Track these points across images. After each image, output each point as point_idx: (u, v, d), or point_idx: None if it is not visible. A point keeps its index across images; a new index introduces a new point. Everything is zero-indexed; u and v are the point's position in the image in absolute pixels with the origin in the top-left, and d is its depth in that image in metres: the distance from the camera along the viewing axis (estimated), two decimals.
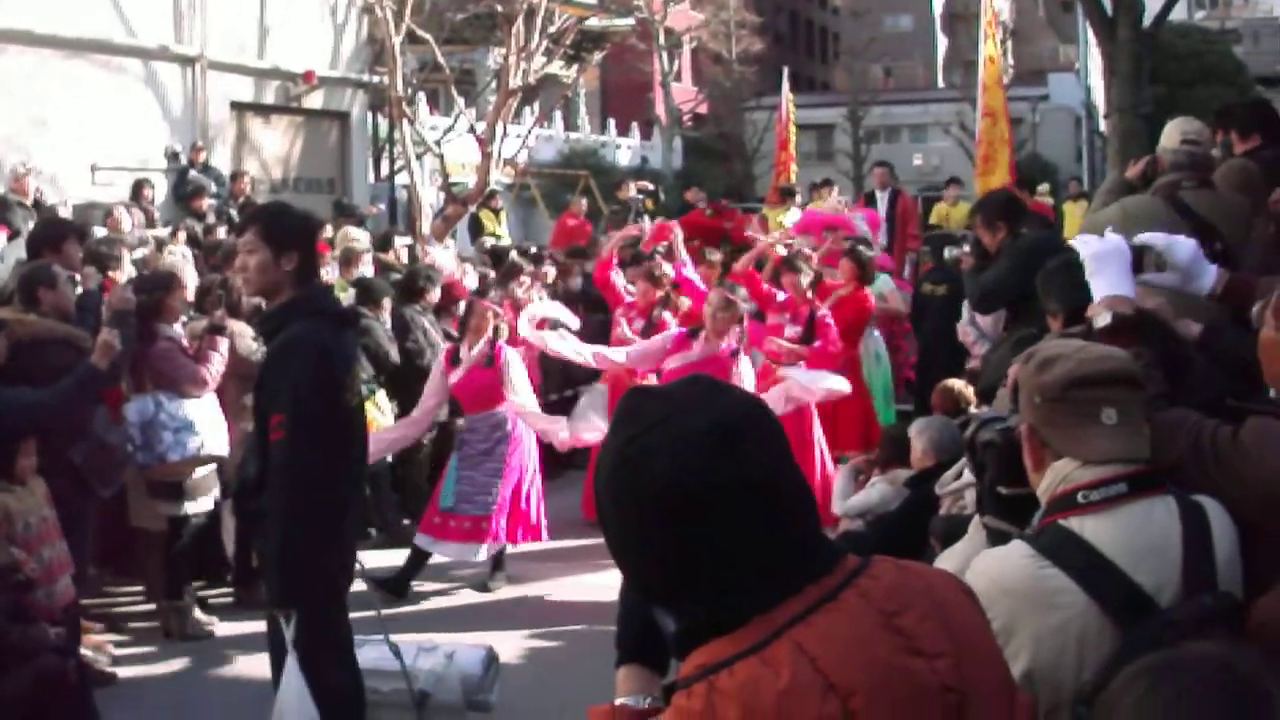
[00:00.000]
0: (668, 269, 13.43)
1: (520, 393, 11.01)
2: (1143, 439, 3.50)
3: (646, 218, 21.83)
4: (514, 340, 11.66)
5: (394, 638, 6.71)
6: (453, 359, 11.18)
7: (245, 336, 10.39)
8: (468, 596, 10.93)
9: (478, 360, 11.00)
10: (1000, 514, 4.05)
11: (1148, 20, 21.85)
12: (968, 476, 5.72)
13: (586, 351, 11.52)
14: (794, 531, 2.30)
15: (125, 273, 10.99)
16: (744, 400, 2.36)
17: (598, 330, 13.91)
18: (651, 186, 26.05)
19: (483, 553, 10.94)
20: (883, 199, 20.84)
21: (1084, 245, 4.40)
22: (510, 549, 11.19)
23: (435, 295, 13.33)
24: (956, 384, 9.33)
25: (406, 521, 12.35)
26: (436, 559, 11.06)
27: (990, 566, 3.43)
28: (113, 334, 8.52)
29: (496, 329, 11.13)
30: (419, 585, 11.01)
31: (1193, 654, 2.25)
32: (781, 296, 12.43)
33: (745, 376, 11.14)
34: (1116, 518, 3.39)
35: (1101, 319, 4.12)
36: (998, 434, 4.05)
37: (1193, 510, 3.43)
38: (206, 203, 19.66)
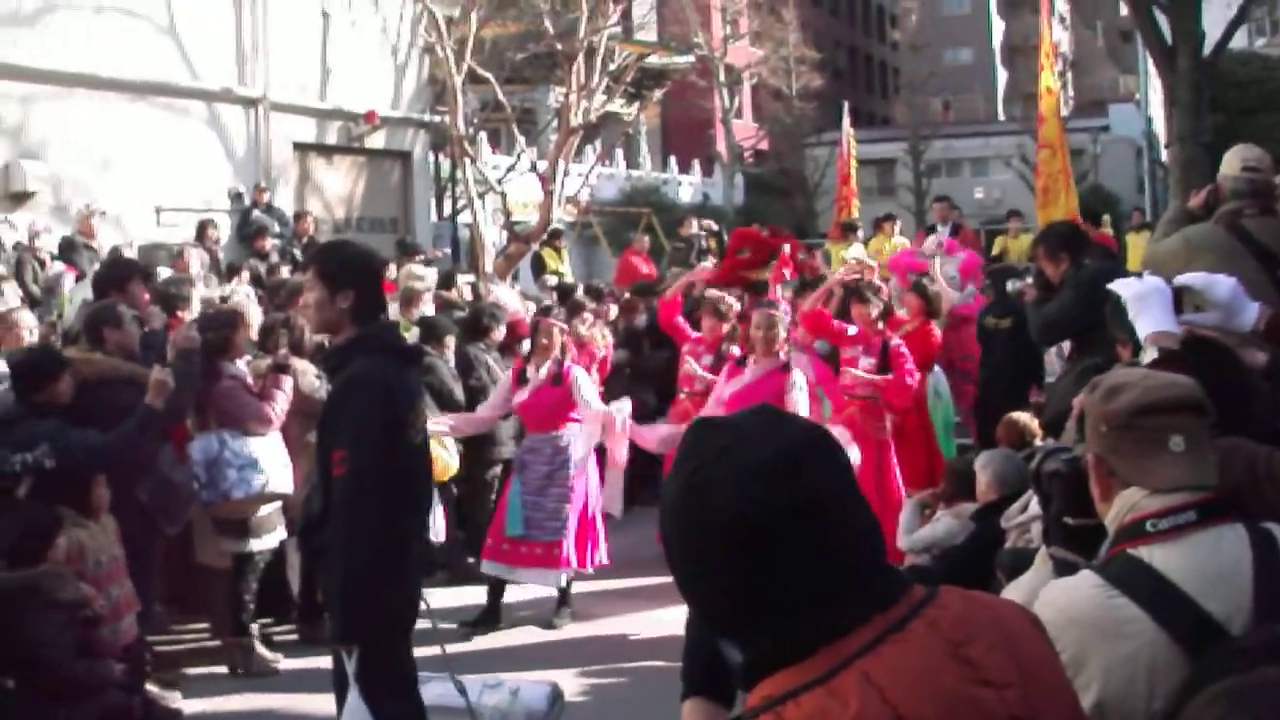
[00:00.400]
0: (732, 302, 13.40)
1: (593, 405, 11.05)
2: (1210, 466, 3.46)
3: (710, 256, 21.81)
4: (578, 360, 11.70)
5: (459, 675, 6.70)
6: (520, 377, 11.17)
7: (308, 374, 10.43)
8: (532, 634, 10.91)
9: (546, 379, 11.00)
10: (1067, 545, 4.03)
11: (1207, 49, 21.74)
12: (1033, 509, 5.69)
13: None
14: (860, 561, 2.28)
15: (192, 312, 11.06)
16: (807, 429, 2.35)
17: (663, 368, 13.90)
18: (715, 226, 25.99)
19: (561, 579, 10.98)
20: (944, 232, 20.77)
21: (1125, 287, 4.45)
22: (576, 587, 11.19)
23: (500, 333, 13.32)
24: (1021, 417, 9.27)
25: (471, 560, 12.37)
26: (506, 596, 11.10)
27: (1058, 597, 3.40)
28: (165, 372, 8.58)
29: (564, 347, 11.16)
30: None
31: (1268, 679, 2.22)
32: (852, 330, 12.36)
33: (800, 386, 11.11)
34: (1185, 546, 3.35)
35: (1149, 354, 4.12)
36: (1063, 464, 4.03)
37: (1263, 538, 3.39)
38: (269, 243, 19.75)
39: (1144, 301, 4.30)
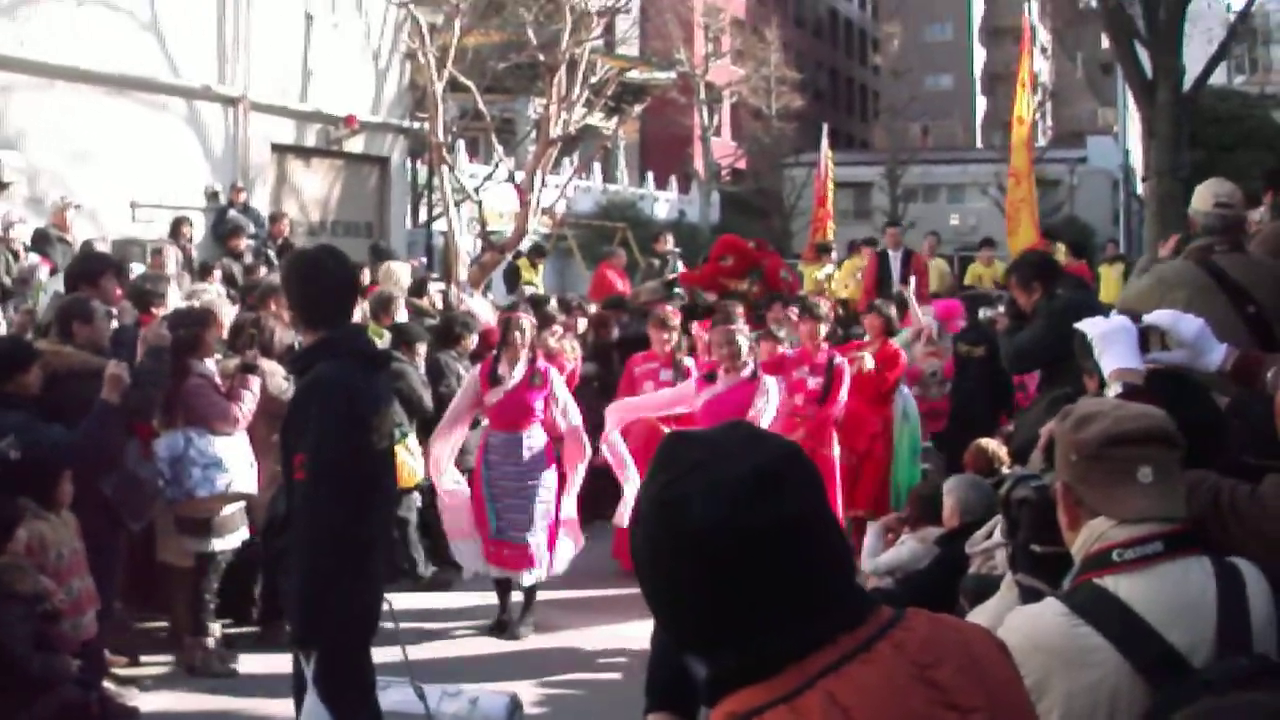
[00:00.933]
0: (672, 311, 13.46)
1: (571, 411, 11.11)
2: (1179, 498, 3.49)
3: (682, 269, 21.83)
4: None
5: (419, 681, 6.68)
6: (491, 377, 11.09)
7: (276, 375, 10.40)
8: (494, 643, 10.89)
9: (524, 378, 10.98)
10: (1033, 572, 4.04)
11: (1187, 84, 21.86)
12: (998, 536, 5.68)
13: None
14: (829, 580, 2.27)
15: (167, 310, 11.02)
16: (782, 446, 2.33)
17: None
18: (678, 250, 25.77)
19: (527, 579, 11.01)
20: (895, 258, 20.73)
21: (1090, 326, 4.47)
22: (540, 595, 11.20)
23: (472, 342, 13.34)
24: (989, 443, 9.32)
25: (435, 567, 12.36)
26: (460, 601, 11.08)
27: (1023, 623, 3.41)
28: (121, 366, 8.55)
29: (533, 344, 11.19)
30: (445, 627, 11.01)
31: (1242, 702, 2.22)
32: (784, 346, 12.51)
33: (770, 393, 11.20)
34: (1151, 577, 3.37)
35: (1113, 389, 4.14)
36: (1032, 491, 4.04)
37: (1228, 571, 3.41)
38: (244, 243, 19.72)
39: (1108, 339, 4.34)
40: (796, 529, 2.22)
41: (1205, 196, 7.19)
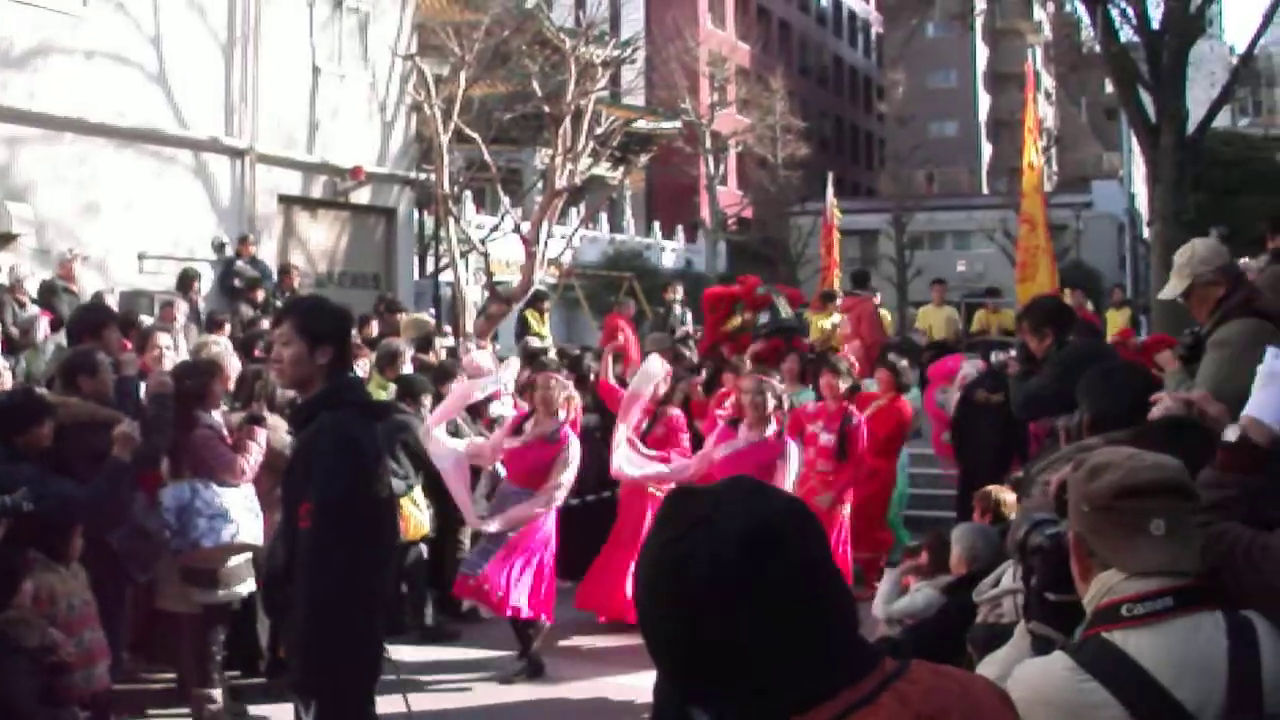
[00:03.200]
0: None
1: (566, 479, 10.98)
2: (1192, 551, 3.45)
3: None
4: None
5: None
6: (519, 426, 11.14)
7: (279, 430, 10.38)
8: (499, 693, 10.82)
9: (543, 433, 10.93)
10: (1047, 620, 4.00)
11: (1191, 127, 21.88)
12: (1006, 583, 5.65)
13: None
14: (832, 634, 2.27)
15: (166, 354, 11.02)
16: (785, 503, 2.34)
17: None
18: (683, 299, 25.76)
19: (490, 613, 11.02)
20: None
21: (1273, 358, 4.12)
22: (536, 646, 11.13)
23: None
24: (997, 490, 9.25)
25: (442, 618, 12.32)
26: (467, 654, 11.05)
27: (1031, 677, 3.38)
28: (132, 426, 8.55)
29: (567, 403, 11.14)
30: (451, 679, 10.96)
31: None
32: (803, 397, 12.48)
33: (792, 460, 11.14)
34: (1161, 633, 3.34)
35: (1229, 433, 3.96)
36: (1047, 539, 4.00)
37: (1242, 627, 3.37)
38: (261, 295, 19.79)
39: (1273, 380, 4.06)
40: (799, 583, 2.22)
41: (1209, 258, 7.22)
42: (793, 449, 11.26)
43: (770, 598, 2.19)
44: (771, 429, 11.18)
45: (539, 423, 11.02)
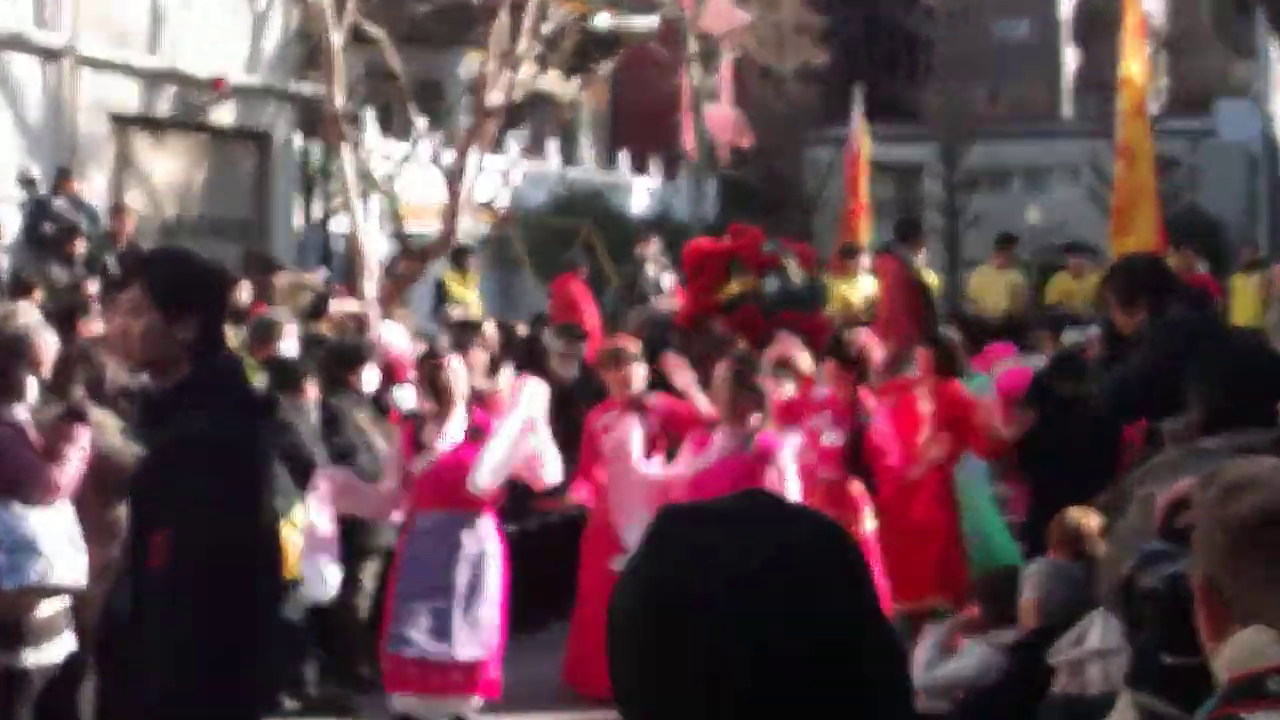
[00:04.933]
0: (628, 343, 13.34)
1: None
2: None
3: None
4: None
5: None
6: (414, 441, 10.95)
7: (108, 429, 10.28)
8: None
9: (463, 435, 10.86)
10: (1161, 690, 3.97)
11: None
12: (1093, 642, 5.67)
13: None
14: (878, 704, 2.22)
15: None
16: (818, 526, 2.29)
17: None
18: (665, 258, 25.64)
19: (460, 707, 10.88)
20: None
21: None
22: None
23: (373, 379, 13.23)
24: (1077, 516, 9.19)
25: (336, 686, 12.31)
26: None
27: None
28: None
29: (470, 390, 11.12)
30: None
31: None
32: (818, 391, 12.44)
33: (782, 468, 11.04)
34: None
35: None
36: (1163, 581, 3.96)
37: None
38: (80, 247, 19.67)
39: None
40: (837, 644, 2.17)
41: None
42: (786, 459, 11.16)
43: (798, 667, 2.14)
44: (746, 430, 11.14)
45: (443, 426, 10.94)
